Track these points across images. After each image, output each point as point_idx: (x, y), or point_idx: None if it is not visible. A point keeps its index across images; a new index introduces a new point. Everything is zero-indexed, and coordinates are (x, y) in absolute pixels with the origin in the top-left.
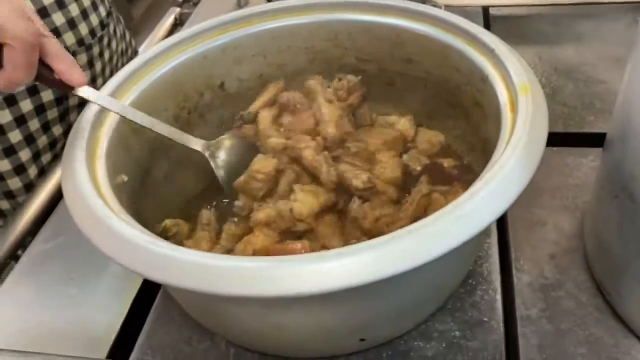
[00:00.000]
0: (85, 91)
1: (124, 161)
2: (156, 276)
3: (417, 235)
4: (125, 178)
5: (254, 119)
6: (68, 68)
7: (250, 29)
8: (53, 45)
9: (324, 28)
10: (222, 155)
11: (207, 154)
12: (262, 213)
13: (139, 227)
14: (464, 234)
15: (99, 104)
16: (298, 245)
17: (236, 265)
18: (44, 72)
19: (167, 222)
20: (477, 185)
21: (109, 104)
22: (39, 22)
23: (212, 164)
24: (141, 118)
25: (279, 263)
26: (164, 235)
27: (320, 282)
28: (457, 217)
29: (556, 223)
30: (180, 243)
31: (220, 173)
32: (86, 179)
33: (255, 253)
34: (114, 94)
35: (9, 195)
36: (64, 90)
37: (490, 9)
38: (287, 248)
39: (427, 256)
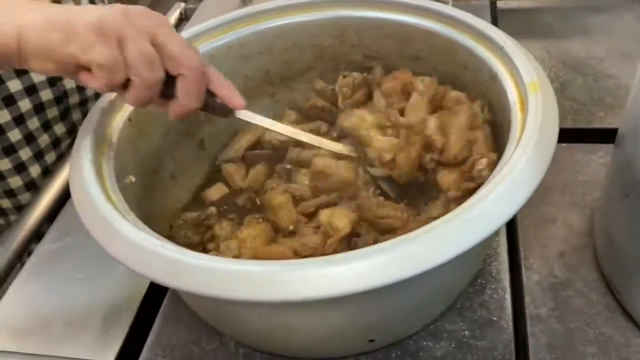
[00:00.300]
0: (245, 114)
1: (131, 162)
2: (164, 280)
3: (426, 239)
4: (133, 179)
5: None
6: (231, 94)
7: (256, 27)
8: (214, 74)
9: (330, 25)
10: None
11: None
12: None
13: (148, 230)
14: (473, 239)
15: (261, 125)
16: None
17: (244, 269)
18: (207, 99)
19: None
20: (487, 188)
21: (270, 125)
22: (198, 52)
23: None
24: (307, 137)
25: (287, 267)
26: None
27: (328, 286)
28: (466, 221)
29: (565, 220)
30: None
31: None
32: (94, 181)
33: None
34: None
35: (10, 193)
36: (223, 116)
37: (498, 2)
38: (273, 252)
39: (435, 261)
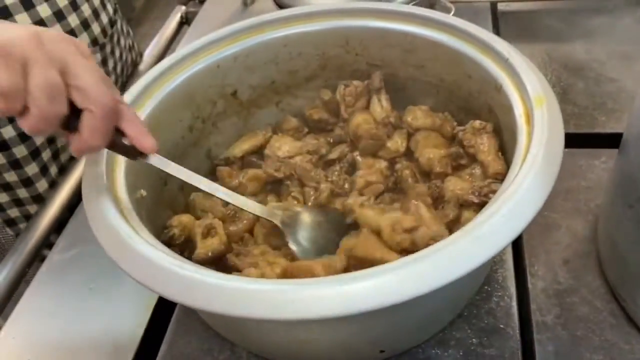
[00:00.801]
0: (157, 160)
1: (142, 176)
2: (183, 300)
3: (438, 257)
4: (144, 193)
5: (233, 162)
6: (141, 135)
7: (261, 37)
8: (127, 112)
9: (334, 34)
10: (301, 232)
11: (281, 226)
12: None
13: (165, 248)
14: (483, 255)
15: (169, 172)
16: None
17: (261, 288)
18: (116, 138)
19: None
20: (495, 205)
21: (187, 177)
22: (114, 87)
23: (287, 238)
24: (230, 197)
25: (302, 286)
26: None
27: (343, 305)
28: (476, 238)
29: (569, 226)
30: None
31: (296, 249)
32: (108, 200)
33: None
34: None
35: (38, 198)
36: (133, 158)
37: (499, 4)
38: (302, 266)
39: (447, 278)
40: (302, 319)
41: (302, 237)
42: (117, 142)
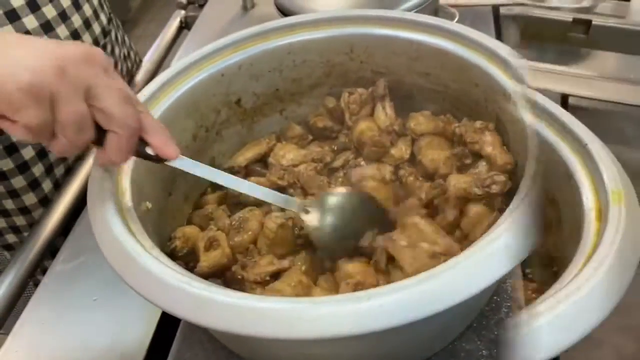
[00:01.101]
0: (179, 162)
1: (147, 187)
2: (191, 317)
3: (453, 274)
4: (150, 205)
5: (237, 171)
6: (163, 143)
7: (266, 45)
8: (150, 122)
9: (339, 42)
10: (327, 217)
11: (301, 215)
12: None
13: (172, 264)
14: (498, 272)
15: (195, 174)
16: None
17: (272, 307)
18: (140, 148)
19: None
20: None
21: (205, 173)
22: (137, 100)
23: (307, 227)
24: (245, 186)
25: (314, 304)
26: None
27: (357, 324)
28: (489, 255)
29: None
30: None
31: (316, 235)
32: (115, 215)
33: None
34: None
35: (25, 211)
36: (156, 162)
37: (501, 8)
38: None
39: (463, 295)
40: (315, 338)
41: (326, 223)
42: (140, 151)
